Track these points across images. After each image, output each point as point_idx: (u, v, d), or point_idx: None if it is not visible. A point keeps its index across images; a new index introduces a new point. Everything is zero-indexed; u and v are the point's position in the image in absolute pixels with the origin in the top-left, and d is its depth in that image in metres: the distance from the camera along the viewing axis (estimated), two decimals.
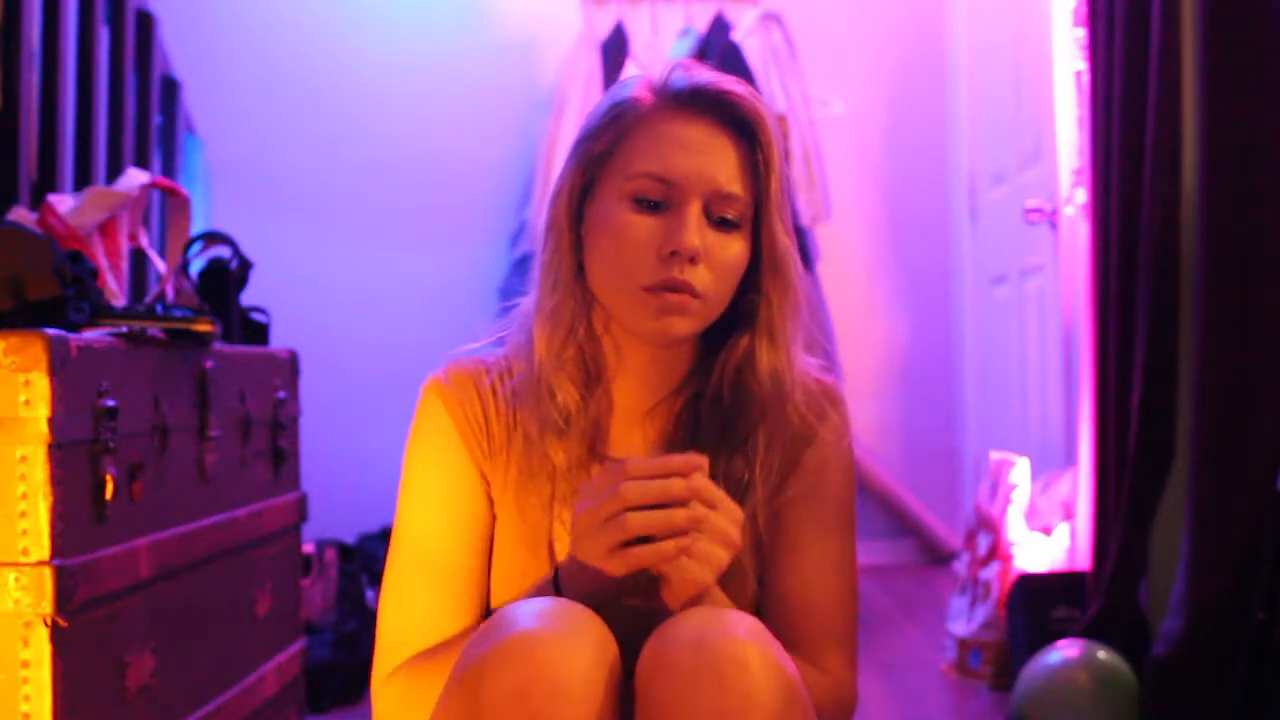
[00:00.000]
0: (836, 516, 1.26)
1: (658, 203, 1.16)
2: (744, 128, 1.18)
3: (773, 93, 3.95)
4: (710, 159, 1.17)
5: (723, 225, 1.17)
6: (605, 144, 1.19)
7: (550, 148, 3.92)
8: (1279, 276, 2.06)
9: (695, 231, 1.15)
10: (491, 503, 1.23)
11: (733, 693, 1.00)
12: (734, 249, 1.17)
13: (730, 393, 1.21)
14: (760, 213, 1.19)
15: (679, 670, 1.02)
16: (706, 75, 1.19)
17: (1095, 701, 2.25)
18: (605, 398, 1.23)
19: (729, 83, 1.19)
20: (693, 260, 1.14)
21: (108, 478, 1.44)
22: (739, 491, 1.19)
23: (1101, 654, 2.30)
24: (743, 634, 1.04)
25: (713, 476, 1.11)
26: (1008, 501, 2.93)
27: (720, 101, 1.18)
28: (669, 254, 1.14)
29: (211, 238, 2.02)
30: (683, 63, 1.22)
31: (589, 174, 1.20)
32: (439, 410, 1.23)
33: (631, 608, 1.14)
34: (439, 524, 1.22)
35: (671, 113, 1.18)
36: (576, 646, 1.03)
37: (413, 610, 1.21)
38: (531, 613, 1.06)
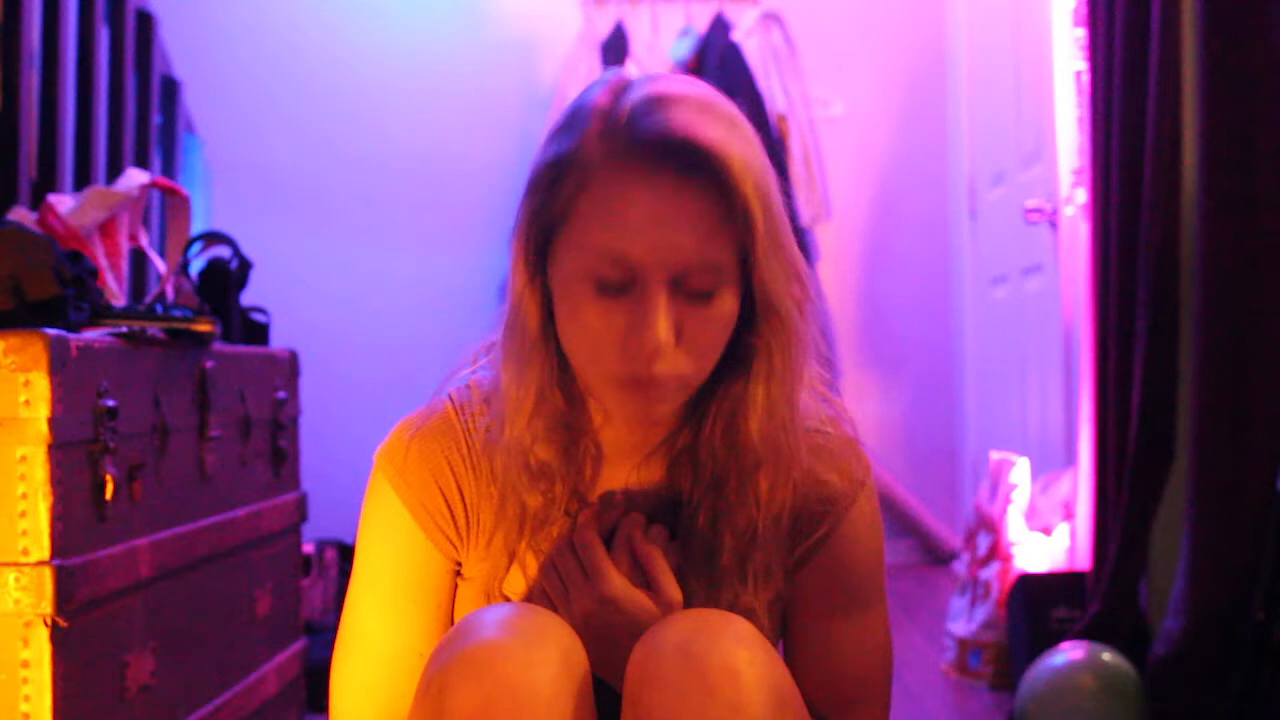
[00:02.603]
0: (869, 591, 1.17)
1: (621, 283, 1.00)
2: (715, 174, 0.98)
3: (773, 93, 3.96)
4: (674, 229, 0.98)
5: (702, 298, 1.00)
6: (558, 203, 1.02)
7: None
8: (1279, 276, 2.07)
9: (663, 320, 0.99)
10: (458, 571, 1.15)
11: (720, 703, 0.97)
12: (719, 312, 1.02)
13: (724, 440, 1.08)
14: (750, 261, 1.01)
15: (665, 681, 0.98)
16: (662, 118, 0.99)
17: (1100, 704, 2.24)
18: (592, 446, 1.11)
19: (691, 127, 0.98)
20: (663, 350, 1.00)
21: (108, 478, 1.44)
22: (743, 543, 1.10)
23: (1106, 656, 2.29)
24: (731, 640, 1.00)
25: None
26: (1008, 501, 2.93)
27: (680, 150, 0.98)
28: (635, 348, 0.99)
29: (211, 238, 2.02)
30: (644, 95, 1.01)
31: (544, 233, 1.04)
32: (388, 493, 1.13)
33: (625, 618, 1.09)
34: (391, 615, 1.13)
35: (622, 166, 0.99)
36: (542, 656, 0.99)
37: (366, 701, 1.13)
38: (494, 620, 1.02)
